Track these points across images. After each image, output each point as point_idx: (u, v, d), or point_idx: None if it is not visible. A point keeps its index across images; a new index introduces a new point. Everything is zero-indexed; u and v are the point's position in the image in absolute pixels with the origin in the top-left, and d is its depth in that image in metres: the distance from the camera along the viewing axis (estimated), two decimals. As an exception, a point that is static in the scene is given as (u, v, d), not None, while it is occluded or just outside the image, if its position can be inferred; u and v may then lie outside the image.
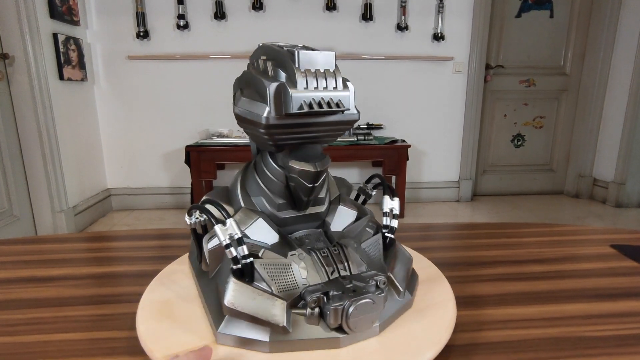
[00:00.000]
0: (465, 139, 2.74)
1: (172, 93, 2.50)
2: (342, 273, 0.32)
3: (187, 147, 2.18)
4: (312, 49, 0.32)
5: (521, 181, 2.95)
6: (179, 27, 2.39)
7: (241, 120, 0.33)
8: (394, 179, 2.43)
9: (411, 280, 0.38)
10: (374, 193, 0.45)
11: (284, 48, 0.31)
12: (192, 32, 2.43)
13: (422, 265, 0.45)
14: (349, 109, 0.31)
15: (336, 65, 0.31)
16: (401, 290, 0.34)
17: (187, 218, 0.37)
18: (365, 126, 2.58)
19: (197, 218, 0.37)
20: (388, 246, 0.38)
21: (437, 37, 2.54)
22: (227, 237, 0.30)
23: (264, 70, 0.32)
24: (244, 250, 0.30)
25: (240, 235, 0.31)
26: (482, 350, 0.34)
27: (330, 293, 0.30)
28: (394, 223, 0.38)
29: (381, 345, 0.31)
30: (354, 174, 2.75)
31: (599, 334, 0.36)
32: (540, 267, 0.51)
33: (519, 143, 2.89)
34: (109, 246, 0.58)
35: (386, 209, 0.38)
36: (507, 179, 2.94)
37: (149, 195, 2.62)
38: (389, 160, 2.31)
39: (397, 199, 0.39)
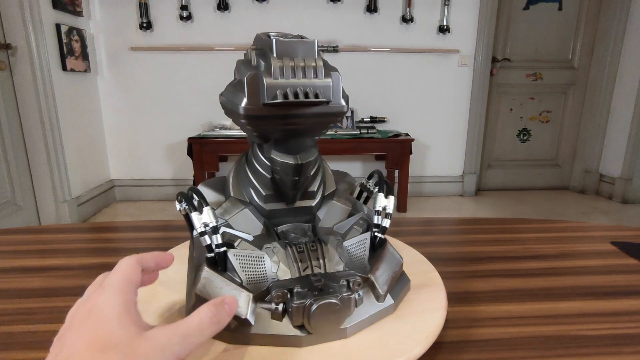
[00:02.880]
0: (470, 133, 2.71)
1: (175, 85, 2.49)
2: (317, 270, 0.31)
3: (190, 139, 2.18)
4: (304, 38, 0.31)
5: (526, 176, 2.92)
6: (182, 18, 2.38)
7: (225, 109, 0.33)
8: (397, 172, 2.41)
9: (398, 284, 0.36)
10: (375, 190, 0.42)
11: (272, 37, 0.30)
12: (195, 24, 2.41)
13: (417, 262, 0.43)
14: (329, 101, 0.29)
15: (319, 54, 0.30)
16: (381, 293, 0.33)
17: (177, 204, 0.37)
18: (369, 119, 2.56)
19: (184, 205, 0.37)
20: (377, 247, 0.36)
21: (443, 29, 2.50)
22: (202, 225, 0.30)
23: (249, 60, 0.32)
24: (218, 239, 0.30)
25: (215, 224, 0.31)
26: (473, 348, 0.34)
27: (295, 290, 0.29)
28: (386, 222, 0.36)
29: (345, 349, 0.29)
30: (356, 168, 2.74)
31: (593, 333, 0.35)
32: (536, 263, 0.50)
33: (525, 138, 2.85)
34: (108, 237, 0.58)
35: (378, 207, 0.36)
36: (512, 173, 2.91)
37: (152, 187, 2.64)
38: (392, 154, 2.30)
39: (392, 197, 0.37)
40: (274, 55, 0.29)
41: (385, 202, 0.36)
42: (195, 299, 0.30)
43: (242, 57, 0.35)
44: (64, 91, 2.08)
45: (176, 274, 0.40)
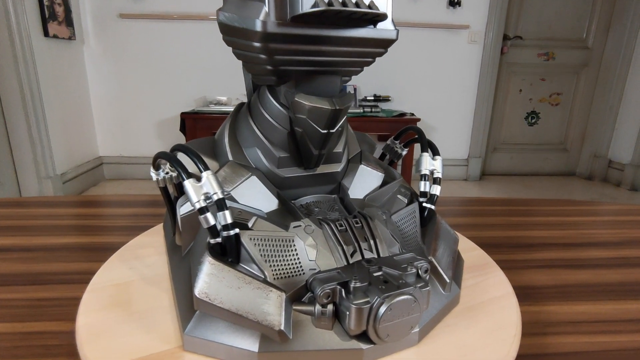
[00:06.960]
0: (477, 115, 2.60)
1: (168, 56, 2.35)
2: (367, 255, 0.24)
3: (183, 114, 2.07)
4: None
5: (532, 161, 2.84)
6: (174, -17, 2.22)
7: (227, 31, 0.23)
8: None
9: (457, 267, 0.29)
10: (404, 152, 0.34)
11: None
12: (189, -10, 2.25)
13: (462, 246, 0.35)
14: (386, 17, 0.21)
15: None
16: (447, 281, 0.26)
17: (152, 172, 0.27)
18: (372, 98, 2.45)
19: (166, 172, 0.27)
20: (426, 220, 0.30)
21: (453, 2, 2.36)
22: (202, 197, 0.21)
23: None
24: (227, 217, 0.22)
25: (220, 196, 0.22)
26: (556, 365, 0.25)
27: (351, 284, 0.21)
28: (436, 190, 0.30)
29: None
30: (358, 149, 2.64)
31: None
32: (600, 252, 0.42)
33: (533, 121, 2.75)
34: (78, 212, 0.49)
35: (425, 171, 0.30)
36: (518, 158, 2.82)
37: (143, 165, 2.52)
38: (396, 134, 2.20)
39: (439, 158, 0.31)
40: None
41: (433, 165, 0.30)
42: (202, 306, 0.21)
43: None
44: (46, 59, 1.94)
45: (151, 269, 0.31)
